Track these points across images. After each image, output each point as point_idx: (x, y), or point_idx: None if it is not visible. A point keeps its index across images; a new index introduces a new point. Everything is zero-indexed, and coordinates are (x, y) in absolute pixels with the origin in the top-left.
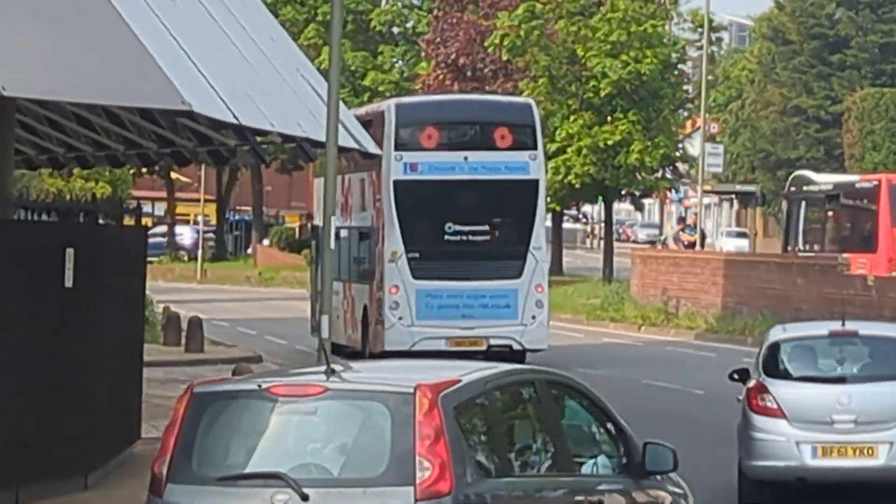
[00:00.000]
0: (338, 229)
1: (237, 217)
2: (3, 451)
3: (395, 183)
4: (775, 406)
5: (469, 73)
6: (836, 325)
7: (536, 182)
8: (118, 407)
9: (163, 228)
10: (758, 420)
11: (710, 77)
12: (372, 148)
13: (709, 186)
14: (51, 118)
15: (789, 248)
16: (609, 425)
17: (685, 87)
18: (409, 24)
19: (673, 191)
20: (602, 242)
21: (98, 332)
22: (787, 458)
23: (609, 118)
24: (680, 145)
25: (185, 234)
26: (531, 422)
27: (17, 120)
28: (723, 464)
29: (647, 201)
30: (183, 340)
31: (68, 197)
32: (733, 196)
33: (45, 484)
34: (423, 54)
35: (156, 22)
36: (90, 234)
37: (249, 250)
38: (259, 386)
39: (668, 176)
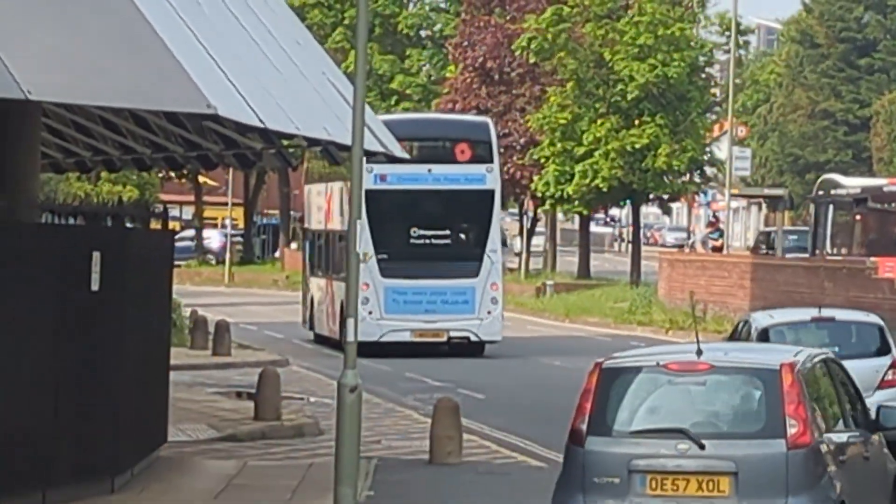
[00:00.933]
0: (320, 232)
1: (264, 221)
2: (30, 454)
3: (367, 192)
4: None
5: (496, 77)
6: (815, 312)
7: (492, 192)
8: (145, 410)
9: (191, 232)
10: None
11: (737, 80)
12: (398, 152)
13: (736, 190)
14: (77, 122)
15: (817, 251)
16: (853, 391)
17: (713, 91)
18: (436, 28)
19: (701, 194)
20: (630, 246)
21: (124, 335)
22: None
23: (636, 121)
24: (707, 149)
25: (212, 238)
26: (835, 389)
27: (44, 124)
28: None
29: (674, 205)
30: (210, 344)
31: (95, 201)
32: (761, 200)
33: (72, 487)
34: (450, 58)
35: (181, 26)
36: (117, 237)
37: (277, 254)
38: (657, 363)
39: (696, 179)
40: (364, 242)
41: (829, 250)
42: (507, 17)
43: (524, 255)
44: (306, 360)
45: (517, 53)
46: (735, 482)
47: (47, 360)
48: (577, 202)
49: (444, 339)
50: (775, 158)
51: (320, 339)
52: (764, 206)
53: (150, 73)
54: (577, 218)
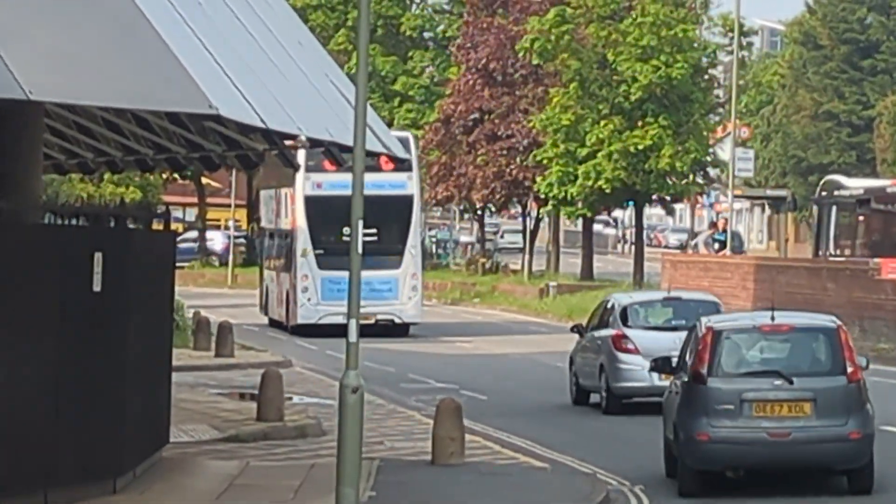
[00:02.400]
0: (272, 231)
1: None
2: (32, 454)
3: (306, 198)
4: (633, 346)
5: (499, 78)
6: (665, 293)
7: (412, 196)
8: (147, 411)
9: (194, 234)
10: (624, 357)
11: (740, 82)
12: (400, 153)
13: (739, 191)
14: (80, 123)
15: (820, 252)
16: None
17: (716, 92)
18: (439, 29)
19: (704, 196)
20: (633, 247)
21: (127, 336)
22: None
23: (639, 123)
24: (711, 150)
25: (215, 240)
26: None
27: (47, 125)
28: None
29: (677, 206)
30: (213, 345)
31: (98, 202)
32: (764, 201)
33: (74, 488)
34: (453, 59)
35: (183, 26)
36: (119, 238)
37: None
38: (754, 326)
39: (699, 181)
40: (303, 241)
41: (831, 251)
42: (510, 19)
43: (527, 257)
44: (310, 360)
45: (520, 55)
46: (814, 406)
47: (49, 361)
48: (580, 204)
49: (373, 321)
50: (778, 160)
51: (273, 323)
52: (767, 207)
53: (152, 74)
54: (580, 220)
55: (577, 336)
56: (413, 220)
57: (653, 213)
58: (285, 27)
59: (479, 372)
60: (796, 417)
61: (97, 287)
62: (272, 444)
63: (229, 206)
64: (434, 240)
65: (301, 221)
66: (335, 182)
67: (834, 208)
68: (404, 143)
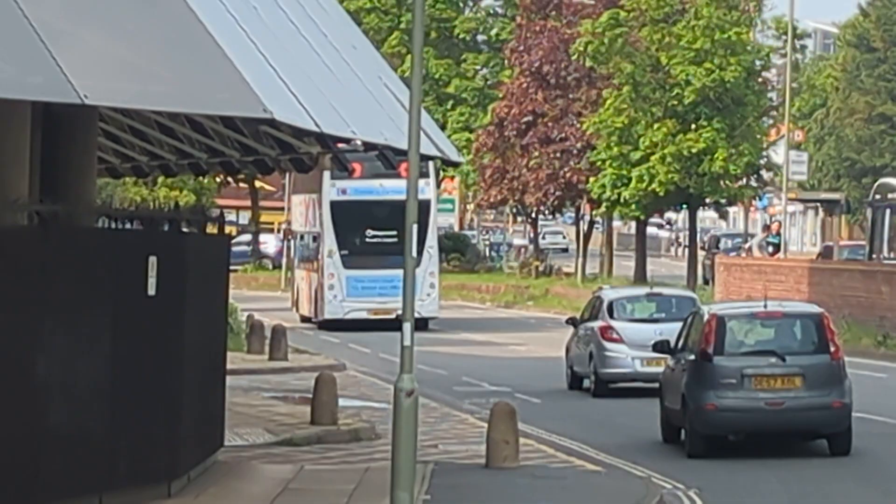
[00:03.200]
0: (302, 233)
1: None
2: (87, 458)
3: (332, 203)
4: (618, 336)
5: (552, 81)
6: (647, 290)
7: (429, 200)
8: (201, 415)
9: (247, 237)
10: (609, 346)
11: (794, 84)
12: (454, 156)
13: (793, 194)
14: (134, 127)
15: (874, 255)
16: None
17: (769, 95)
18: (492, 32)
19: (757, 199)
20: (686, 250)
21: (181, 340)
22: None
23: (693, 126)
24: (764, 153)
25: (269, 243)
26: None
27: (101, 129)
28: (808, 469)
29: (731, 209)
30: (267, 348)
31: (152, 205)
32: (818, 204)
33: (129, 491)
34: (506, 62)
35: (238, 30)
36: (173, 242)
37: None
38: (751, 312)
39: (753, 184)
40: (329, 242)
41: (885, 254)
42: (564, 22)
43: (580, 260)
44: (363, 364)
45: (573, 58)
46: (804, 380)
47: (104, 365)
48: (633, 206)
49: (394, 316)
50: (832, 163)
51: (304, 319)
52: (821, 210)
53: (207, 78)
54: (633, 223)
55: (572, 328)
56: (430, 223)
57: (706, 216)
58: (339, 30)
59: (532, 375)
60: (789, 389)
61: (152, 291)
62: (326, 447)
63: (283, 209)
64: (487, 242)
65: (327, 224)
66: (359, 188)
67: (888, 211)
68: None
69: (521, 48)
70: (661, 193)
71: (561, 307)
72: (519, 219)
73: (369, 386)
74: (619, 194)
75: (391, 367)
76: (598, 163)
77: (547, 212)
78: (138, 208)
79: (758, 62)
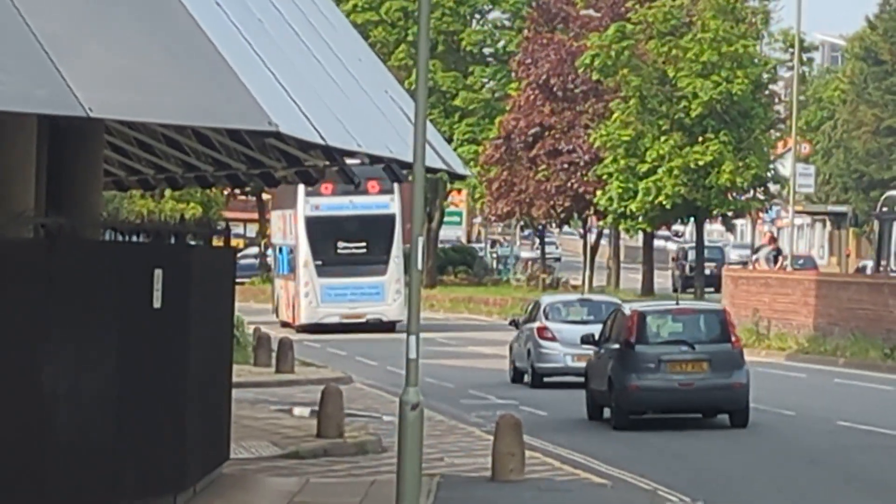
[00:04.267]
0: (280, 246)
1: None
2: (93, 470)
3: (306, 218)
4: (552, 335)
5: (559, 94)
6: (580, 296)
7: (394, 214)
8: (207, 427)
9: (254, 250)
10: (545, 344)
11: (801, 97)
12: (460, 169)
13: (800, 207)
14: (141, 140)
15: (881, 268)
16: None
17: (776, 108)
18: (499, 45)
19: (765, 211)
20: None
21: (186, 352)
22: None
23: (700, 138)
24: (771, 166)
25: None
26: None
27: (108, 142)
28: (815, 484)
29: (738, 222)
30: (273, 361)
31: (158, 218)
32: (826, 217)
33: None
34: (513, 74)
35: (243, 43)
36: (179, 255)
37: None
38: (666, 309)
39: (760, 196)
40: (304, 253)
41: (892, 267)
42: (570, 35)
43: (587, 273)
44: (370, 376)
45: (580, 70)
46: (710, 364)
47: (110, 378)
48: (640, 218)
49: (364, 319)
50: (840, 175)
51: (284, 324)
52: (828, 223)
53: (212, 91)
54: (640, 235)
55: (514, 329)
56: (396, 234)
57: (714, 228)
58: (345, 43)
59: (538, 389)
60: (698, 373)
61: (157, 304)
62: (332, 460)
63: None
64: (495, 255)
65: (303, 237)
66: (331, 204)
67: (895, 224)
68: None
69: (528, 61)
70: (668, 206)
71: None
72: (526, 231)
73: (375, 398)
74: (626, 207)
75: (398, 380)
76: (605, 175)
77: (554, 224)
78: (144, 221)
79: (765, 75)
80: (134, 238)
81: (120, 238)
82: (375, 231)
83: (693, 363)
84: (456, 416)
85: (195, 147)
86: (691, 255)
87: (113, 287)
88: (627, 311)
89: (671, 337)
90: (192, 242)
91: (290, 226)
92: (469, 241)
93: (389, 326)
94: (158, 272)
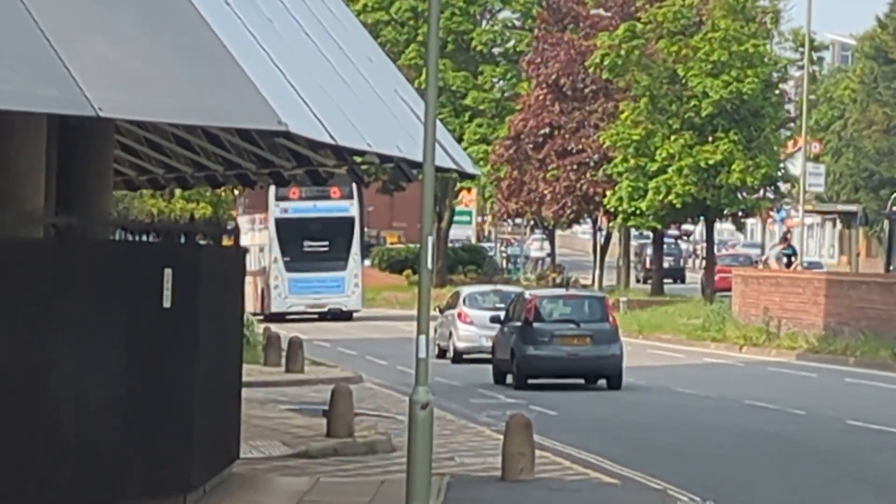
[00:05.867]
0: (250, 245)
1: None
2: (102, 470)
3: (276, 219)
4: (469, 320)
5: (569, 93)
6: (494, 287)
7: (353, 217)
8: (217, 427)
9: None
10: (463, 326)
11: (811, 96)
12: (470, 168)
13: (810, 206)
14: (151, 139)
15: (892, 267)
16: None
17: (787, 107)
18: (509, 44)
19: (775, 211)
20: (703, 262)
21: (196, 352)
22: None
23: (710, 138)
24: (781, 165)
25: None
26: None
27: (118, 141)
28: (825, 484)
29: (749, 221)
30: (283, 361)
31: (168, 218)
32: (836, 216)
33: (144, 503)
34: (523, 74)
35: (252, 42)
36: (188, 254)
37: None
38: (559, 295)
39: (770, 196)
40: (275, 250)
41: None
42: (580, 34)
43: (597, 272)
44: (380, 376)
45: (590, 70)
46: (592, 339)
47: (119, 377)
48: (650, 218)
49: (325, 309)
50: (850, 174)
51: (253, 314)
52: (838, 222)
53: (222, 90)
54: (651, 234)
55: (439, 314)
56: (354, 234)
57: (724, 228)
58: (355, 43)
59: (548, 387)
60: (582, 346)
61: (167, 303)
62: (342, 460)
63: None
64: (505, 255)
65: (273, 236)
66: (298, 207)
67: None
68: (346, 178)
69: (538, 60)
70: (678, 205)
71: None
72: (536, 231)
73: (386, 398)
74: (636, 206)
75: (407, 379)
76: (615, 175)
77: (564, 224)
78: (154, 220)
79: (775, 74)
80: (144, 238)
81: (130, 237)
82: (337, 231)
83: (578, 338)
84: (466, 416)
85: (205, 146)
86: (649, 250)
87: (122, 286)
88: (528, 296)
89: (561, 317)
90: (202, 242)
91: (260, 227)
92: (479, 240)
93: (347, 315)
94: (168, 272)
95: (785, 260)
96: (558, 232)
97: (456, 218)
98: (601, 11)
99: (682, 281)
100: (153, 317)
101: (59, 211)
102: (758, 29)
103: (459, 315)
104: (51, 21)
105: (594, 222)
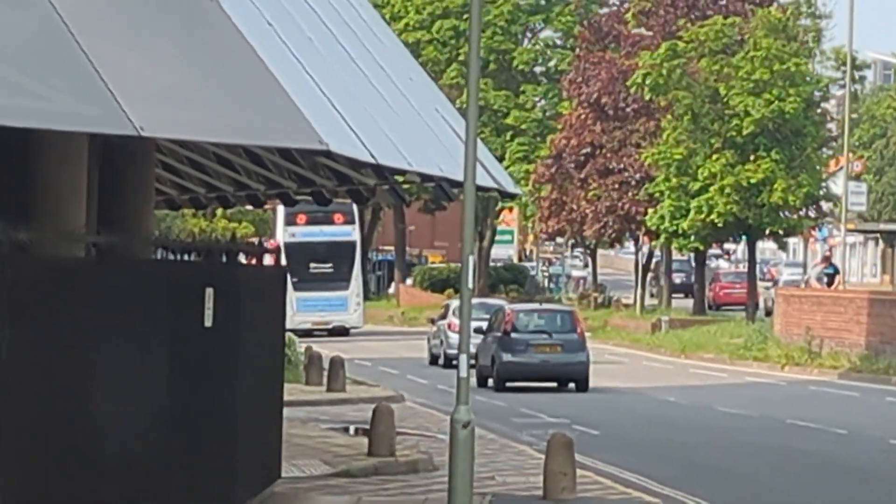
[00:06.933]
0: None
1: (380, 257)
2: (143, 488)
3: (285, 243)
4: (458, 329)
5: (611, 112)
6: (480, 300)
7: (355, 241)
8: (258, 446)
9: None
10: (452, 335)
11: (853, 115)
12: (511, 188)
13: (852, 225)
14: (192, 159)
15: None
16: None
17: (828, 126)
18: (551, 63)
19: (817, 230)
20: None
21: (237, 371)
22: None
23: (752, 157)
24: (823, 184)
25: None
26: None
27: (159, 161)
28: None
29: (791, 240)
30: (325, 380)
31: (210, 237)
32: (878, 235)
33: None
34: (564, 93)
35: (294, 62)
36: (230, 273)
37: (392, 290)
38: (534, 309)
39: (812, 215)
40: None
41: None
42: (622, 53)
43: (640, 291)
44: (421, 395)
45: (631, 89)
46: (563, 348)
47: (161, 396)
48: (692, 237)
49: (330, 326)
50: (892, 193)
51: None
52: (881, 241)
53: (263, 110)
54: (692, 254)
55: (432, 324)
56: (356, 257)
57: (766, 247)
58: (396, 62)
59: (590, 407)
60: (554, 353)
61: (208, 322)
62: (384, 479)
63: None
64: (546, 274)
65: (282, 259)
66: (305, 232)
67: None
68: (349, 206)
69: (580, 79)
70: (720, 224)
71: (619, 339)
72: (577, 250)
73: (427, 417)
74: (678, 225)
75: (449, 398)
76: (657, 194)
77: (606, 243)
78: (195, 240)
79: (817, 93)
80: (185, 257)
81: (171, 257)
82: (340, 254)
83: (550, 346)
84: (507, 435)
85: (246, 166)
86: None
87: (164, 306)
88: (507, 310)
89: (536, 328)
90: (244, 261)
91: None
92: (520, 259)
93: (345, 331)
94: (210, 291)
95: (826, 279)
96: (600, 251)
97: (498, 237)
98: (643, 30)
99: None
100: (194, 336)
101: (101, 230)
102: (800, 48)
103: (449, 325)
104: (92, 40)
105: (636, 241)
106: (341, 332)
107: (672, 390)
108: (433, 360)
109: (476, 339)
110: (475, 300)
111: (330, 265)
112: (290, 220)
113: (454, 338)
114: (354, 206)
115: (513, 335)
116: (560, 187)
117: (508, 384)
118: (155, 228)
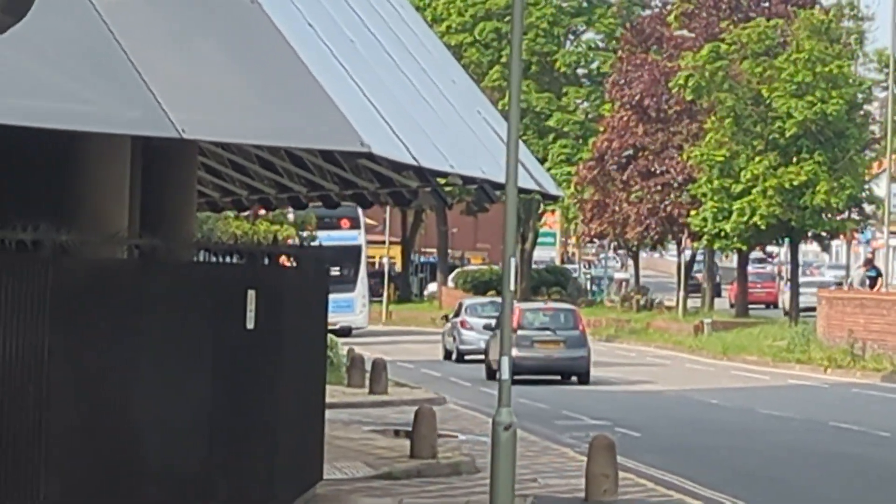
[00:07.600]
0: None
1: (422, 259)
2: (185, 491)
3: None
4: (470, 326)
5: (653, 114)
6: (490, 299)
7: (361, 245)
8: (300, 448)
9: None
10: (464, 332)
11: None
12: (553, 190)
13: (895, 227)
14: (235, 161)
15: None
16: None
17: (871, 128)
18: (593, 66)
19: (860, 232)
20: (788, 284)
21: (279, 373)
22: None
23: (794, 159)
24: (866, 186)
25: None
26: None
27: (201, 162)
28: None
29: (833, 242)
30: (367, 382)
31: (252, 239)
32: None
33: None
34: (606, 95)
35: (336, 64)
36: (271, 275)
37: (434, 291)
38: (540, 308)
39: (855, 217)
40: None
41: None
42: (664, 55)
43: (682, 294)
44: (463, 397)
45: (674, 91)
46: (565, 344)
47: (203, 398)
48: (734, 239)
49: (337, 327)
50: None
51: None
52: None
53: (305, 112)
54: (736, 255)
55: (447, 321)
56: (362, 260)
57: (808, 249)
58: (438, 64)
59: (632, 409)
60: (557, 349)
61: (250, 325)
62: (426, 481)
63: (383, 242)
64: (588, 276)
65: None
66: (325, 237)
67: None
68: (354, 210)
69: (622, 81)
70: (763, 226)
71: (662, 341)
72: (619, 252)
73: (469, 419)
74: (721, 227)
75: (491, 401)
76: (699, 196)
77: (648, 245)
78: (237, 242)
79: (860, 95)
80: (227, 259)
81: (213, 259)
82: (347, 258)
83: (554, 343)
84: (549, 437)
85: (288, 168)
86: (695, 266)
87: (206, 308)
88: (515, 308)
89: (541, 325)
90: (286, 263)
91: None
92: (563, 262)
93: (348, 331)
94: (252, 293)
95: (868, 282)
96: (642, 253)
97: (540, 239)
98: (685, 32)
99: (718, 295)
100: (237, 338)
101: (143, 232)
102: (842, 50)
103: (462, 323)
104: (135, 44)
105: (678, 244)
106: (345, 332)
107: (714, 392)
108: (447, 355)
109: (482, 335)
110: (488, 299)
111: (337, 268)
112: (300, 227)
113: (465, 335)
114: (360, 211)
115: (519, 332)
116: (602, 189)
117: (515, 377)
118: (197, 231)
